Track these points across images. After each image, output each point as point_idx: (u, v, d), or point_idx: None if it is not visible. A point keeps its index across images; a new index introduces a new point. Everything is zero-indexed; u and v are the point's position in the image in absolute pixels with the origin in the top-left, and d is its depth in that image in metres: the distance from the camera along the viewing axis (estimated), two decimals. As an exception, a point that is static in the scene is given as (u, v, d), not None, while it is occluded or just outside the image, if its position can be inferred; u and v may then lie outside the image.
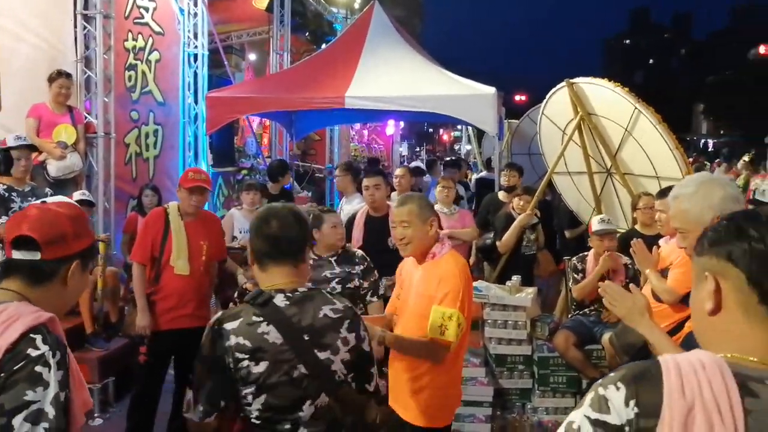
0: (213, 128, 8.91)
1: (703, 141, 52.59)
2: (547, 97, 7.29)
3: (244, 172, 11.91)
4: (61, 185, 6.52)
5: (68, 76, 6.76)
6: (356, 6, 15.94)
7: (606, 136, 6.67)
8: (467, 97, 7.95)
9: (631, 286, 2.38)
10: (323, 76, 8.73)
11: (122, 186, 7.84)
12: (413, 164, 15.90)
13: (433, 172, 11.95)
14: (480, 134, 14.37)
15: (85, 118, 7.22)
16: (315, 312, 2.33)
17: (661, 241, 4.28)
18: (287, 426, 2.27)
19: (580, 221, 7.65)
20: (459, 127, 29.61)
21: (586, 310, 5.42)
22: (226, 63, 11.13)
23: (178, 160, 9.15)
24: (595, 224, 5.45)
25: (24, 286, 1.85)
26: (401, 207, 3.31)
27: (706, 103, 57.97)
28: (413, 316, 3.26)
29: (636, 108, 6.00)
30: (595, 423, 1.21)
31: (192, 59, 9.43)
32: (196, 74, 9.50)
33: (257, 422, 2.26)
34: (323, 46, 12.39)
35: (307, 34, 14.99)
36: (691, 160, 10.34)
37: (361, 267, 4.38)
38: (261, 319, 2.26)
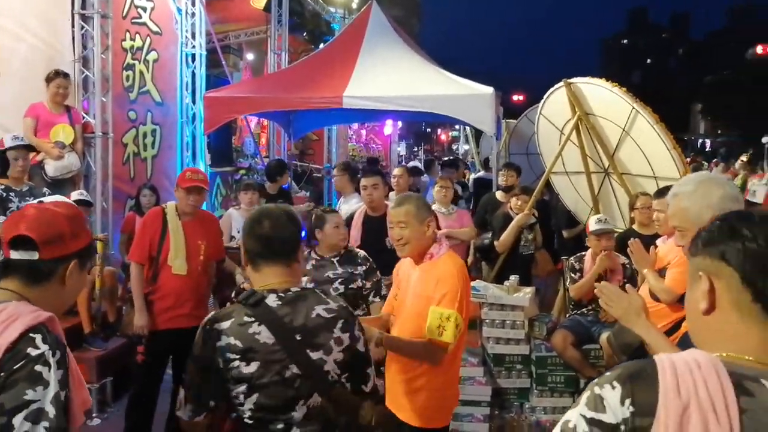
0: (211, 128, 8.92)
1: (700, 141, 52.65)
2: (545, 97, 7.31)
3: (242, 171, 11.90)
4: (59, 185, 6.52)
5: (66, 75, 6.76)
6: (354, 6, 15.96)
7: (604, 135, 6.68)
8: (465, 97, 7.96)
9: (628, 286, 2.38)
10: (321, 76, 8.73)
11: (120, 186, 7.83)
12: (411, 164, 15.90)
13: (431, 172, 11.94)
14: (478, 134, 14.38)
15: (83, 117, 7.21)
16: (308, 312, 2.32)
17: (658, 241, 4.28)
18: (280, 426, 2.27)
19: (577, 221, 7.67)
20: (457, 126, 29.66)
21: (583, 309, 5.42)
22: (223, 63, 11.12)
23: (176, 160, 9.14)
24: (593, 224, 5.47)
25: (22, 285, 1.85)
26: (398, 207, 3.29)
27: (704, 103, 58.08)
28: (411, 317, 3.25)
29: (633, 108, 6.01)
30: (590, 422, 1.22)
31: (190, 59, 9.41)
32: (193, 74, 9.49)
33: (250, 422, 2.27)
34: (321, 45, 12.41)
35: (304, 33, 15.01)
36: (688, 159, 10.36)
37: (364, 267, 4.38)
38: (252, 319, 2.26)
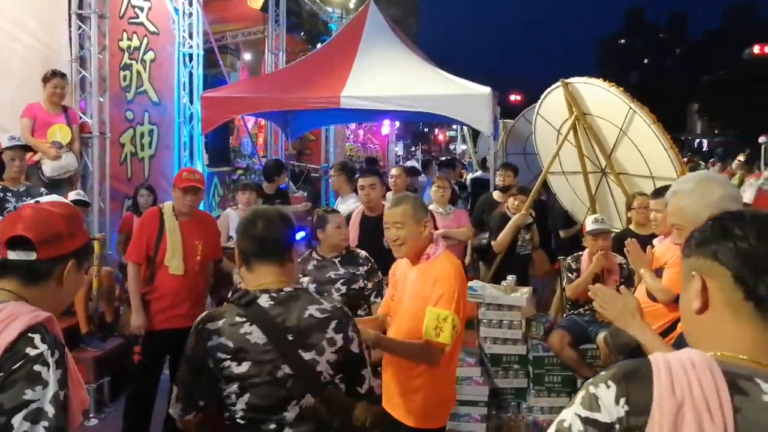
0: (208, 128, 8.92)
1: (697, 141, 52.67)
2: (542, 97, 7.31)
3: (239, 171, 11.90)
4: (56, 185, 6.51)
5: (63, 75, 6.75)
6: (351, 5, 15.94)
7: (601, 135, 6.69)
8: (462, 97, 7.96)
9: (622, 288, 2.38)
10: (318, 76, 8.73)
11: (117, 186, 7.83)
12: (408, 164, 15.90)
13: (428, 172, 11.95)
14: (475, 134, 14.38)
15: (80, 118, 7.20)
16: (300, 312, 2.33)
17: (655, 241, 4.29)
18: (272, 426, 2.28)
19: (574, 221, 7.67)
20: (454, 126, 29.63)
21: (580, 309, 5.43)
22: (221, 63, 11.12)
23: (173, 160, 9.14)
24: (589, 224, 5.47)
25: (20, 286, 1.85)
26: (395, 208, 3.28)
27: (701, 102, 58.14)
28: (407, 317, 3.25)
29: (631, 108, 6.02)
30: (585, 421, 1.23)
31: (187, 59, 9.41)
32: (191, 74, 9.48)
33: (242, 422, 2.28)
34: (318, 45, 12.40)
35: (302, 33, 14.99)
36: (685, 159, 10.37)
37: (365, 268, 4.37)
38: (244, 319, 2.28)
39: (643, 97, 6.85)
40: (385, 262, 3.99)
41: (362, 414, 2.40)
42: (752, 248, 1.27)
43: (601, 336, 4.86)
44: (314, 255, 4.45)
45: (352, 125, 18.18)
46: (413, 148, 41.08)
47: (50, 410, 1.65)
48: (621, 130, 6.31)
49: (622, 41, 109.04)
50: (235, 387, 2.25)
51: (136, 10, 8.17)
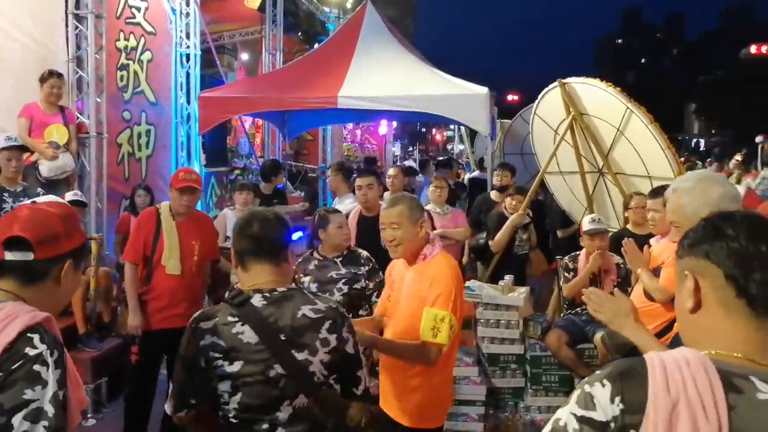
0: (206, 128, 8.92)
1: (694, 140, 52.73)
2: (540, 97, 7.32)
3: (236, 172, 11.90)
4: (54, 185, 6.51)
5: (60, 76, 6.75)
6: (348, 6, 15.94)
7: (598, 135, 6.69)
8: (460, 97, 7.97)
9: (615, 290, 2.38)
10: (316, 76, 8.73)
11: (115, 186, 7.82)
12: (406, 164, 15.91)
13: (425, 172, 11.96)
14: (473, 134, 14.39)
15: (77, 118, 7.20)
16: (293, 312, 2.33)
17: (652, 241, 4.29)
18: (265, 426, 2.29)
19: (572, 221, 7.68)
20: (452, 126, 29.64)
21: (578, 309, 5.43)
22: (218, 63, 11.11)
23: (170, 160, 9.13)
24: (586, 224, 5.48)
25: (18, 286, 1.85)
26: (391, 208, 3.27)
27: (698, 102, 58.19)
28: (404, 317, 3.24)
29: (628, 108, 6.02)
30: (581, 419, 1.24)
31: (184, 59, 9.41)
32: (188, 74, 9.48)
33: (235, 421, 2.29)
34: (316, 45, 12.40)
35: (299, 33, 14.96)
36: (682, 159, 10.38)
37: (367, 268, 4.37)
38: (236, 319, 2.29)
39: (640, 97, 6.86)
40: (383, 262, 3.99)
41: (357, 414, 2.40)
42: (743, 248, 1.28)
43: (598, 335, 4.87)
44: (315, 255, 4.45)
45: (350, 125, 18.18)
46: (411, 148, 41.08)
47: (50, 410, 1.65)
48: (618, 130, 6.32)
49: (620, 41, 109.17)
50: (227, 386, 2.26)
51: (133, 10, 8.16)
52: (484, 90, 7.92)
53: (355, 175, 6.53)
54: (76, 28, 7.22)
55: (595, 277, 5.37)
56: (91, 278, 5.81)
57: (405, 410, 3.26)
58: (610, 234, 5.61)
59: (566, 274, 5.60)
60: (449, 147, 40.06)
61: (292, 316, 2.32)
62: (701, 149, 40.39)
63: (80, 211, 6.09)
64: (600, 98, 6.39)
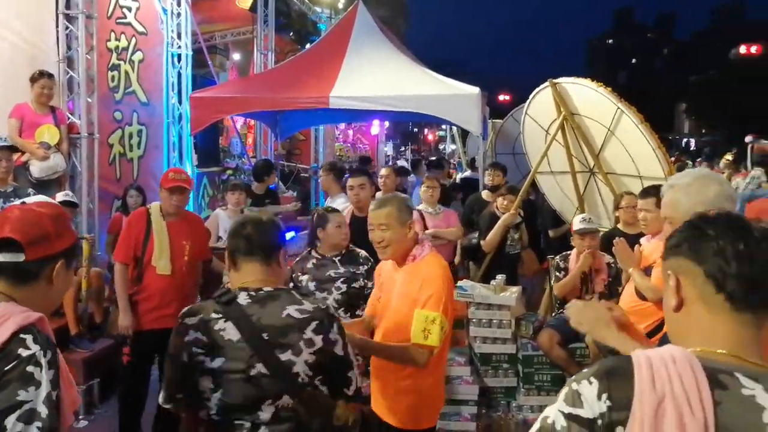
0: (197, 128, 8.91)
1: (685, 140, 52.90)
2: (531, 97, 7.34)
3: (229, 172, 11.89)
4: (45, 186, 6.49)
5: (50, 76, 6.72)
6: (340, 6, 15.93)
7: (589, 135, 6.72)
8: (451, 97, 7.98)
9: (593, 300, 2.37)
10: (308, 76, 8.73)
11: (106, 186, 7.80)
12: (398, 164, 15.92)
13: (417, 172, 11.97)
14: (464, 134, 14.42)
15: (68, 118, 7.18)
16: (278, 311, 2.34)
17: (642, 240, 4.31)
18: (247, 425, 2.30)
19: (563, 220, 7.70)
20: (444, 126, 29.67)
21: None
22: (210, 63, 11.09)
23: (162, 161, 9.10)
24: (577, 223, 5.50)
25: (9, 287, 1.85)
26: (379, 210, 3.24)
27: (689, 102, 58.36)
28: (395, 318, 3.23)
29: (618, 108, 6.05)
30: (568, 417, 1.26)
31: (176, 59, 9.38)
32: (179, 74, 9.46)
33: (217, 419, 2.31)
34: (307, 46, 12.40)
35: (291, 33, 14.97)
36: (673, 159, 10.43)
37: (365, 267, 4.36)
38: (220, 315, 2.32)
39: (631, 96, 6.89)
40: (376, 262, 4.00)
41: (343, 414, 2.41)
42: (721, 246, 1.33)
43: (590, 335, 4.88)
44: (314, 254, 4.46)
45: (342, 125, 18.18)
46: (403, 148, 41.08)
47: (43, 411, 1.65)
48: (609, 130, 6.34)
49: (611, 41, 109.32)
50: (208, 382, 2.28)
51: (124, 10, 8.14)
52: (475, 90, 7.93)
53: (347, 176, 6.53)
54: (67, 28, 7.19)
55: (585, 276, 5.39)
56: (82, 279, 5.79)
57: (397, 412, 3.25)
58: (601, 233, 5.63)
59: (557, 274, 5.62)
60: (441, 147, 40.06)
61: (276, 316, 2.33)
62: (692, 149, 40.52)
63: (71, 212, 6.08)
64: (591, 98, 6.41)
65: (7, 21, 6.71)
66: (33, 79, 6.60)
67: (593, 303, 2.31)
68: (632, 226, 5.44)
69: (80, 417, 5.45)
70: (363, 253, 4.48)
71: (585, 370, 1.32)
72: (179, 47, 9.41)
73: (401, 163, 20.06)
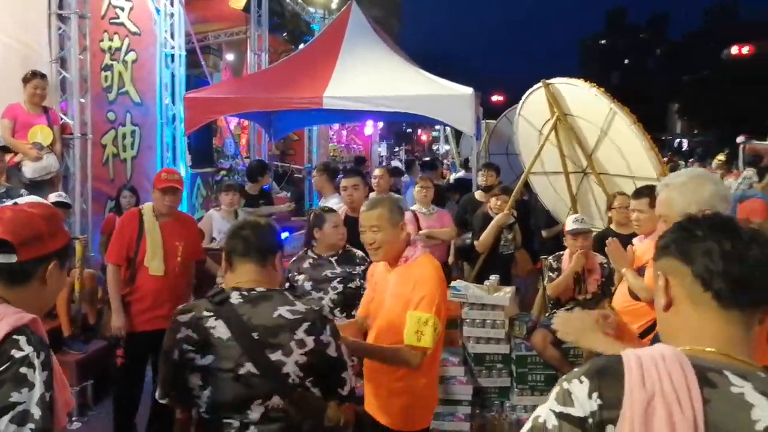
0: (191, 129, 8.88)
1: (677, 140, 53.06)
2: (524, 97, 7.35)
3: (222, 172, 11.87)
4: (38, 187, 6.46)
5: (43, 76, 6.70)
6: (334, 6, 15.93)
7: (582, 136, 6.74)
8: (445, 98, 7.99)
9: (576, 309, 2.37)
10: (301, 77, 8.72)
11: (100, 187, 7.78)
12: (392, 164, 15.92)
13: (411, 173, 11.97)
14: (458, 134, 14.44)
15: (61, 119, 7.16)
16: (269, 311, 2.35)
17: (635, 240, 4.32)
18: (236, 424, 2.32)
19: (556, 221, 7.72)
20: (437, 127, 29.70)
21: (563, 309, 5.46)
22: (203, 63, 11.07)
23: (156, 161, 9.09)
24: (569, 224, 5.51)
25: (2, 287, 1.84)
26: (370, 211, 3.23)
27: (682, 103, 58.52)
28: (388, 319, 3.22)
29: (611, 108, 6.06)
30: (559, 416, 1.27)
31: (169, 59, 9.36)
32: (173, 74, 9.44)
33: (206, 417, 2.34)
34: (301, 46, 12.38)
35: (284, 34, 14.96)
36: (665, 159, 10.46)
37: (362, 267, 4.34)
38: (211, 314, 2.34)
39: (624, 97, 6.91)
40: (371, 263, 4.00)
41: (335, 415, 2.41)
42: (708, 246, 1.35)
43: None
44: (310, 253, 4.45)
45: (336, 126, 18.17)
46: (396, 149, 41.14)
47: (36, 412, 1.65)
48: (602, 130, 6.36)
49: (604, 42, 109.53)
50: (197, 379, 2.31)
51: (117, 10, 8.13)
52: (469, 90, 7.94)
53: (340, 176, 6.53)
54: (60, 28, 7.18)
55: (578, 276, 5.41)
56: (75, 280, 5.77)
57: (390, 413, 3.24)
58: (594, 234, 5.65)
59: (550, 274, 5.63)
60: (435, 147, 40.13)
61: (267, 316, 2.34)
62: (684, 149, 40.65)
63: (64, 213, 6.05)
64: (584, 99, 6.43)
65: (0, 21, 6.69)
66: (26, 80, 6.58)
67: (577, 312, 2.32)
68: (625, 227, 5.46)
69: (73, 419, 5.43)
70: (359, 253, 4.47)
71: (576, 369, 1.33)
72: (173, 47, 9.39)
73: (395, 163, 20.09)
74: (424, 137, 54.32)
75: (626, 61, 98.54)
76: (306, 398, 2.35)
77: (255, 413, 2.30)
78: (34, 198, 2.57)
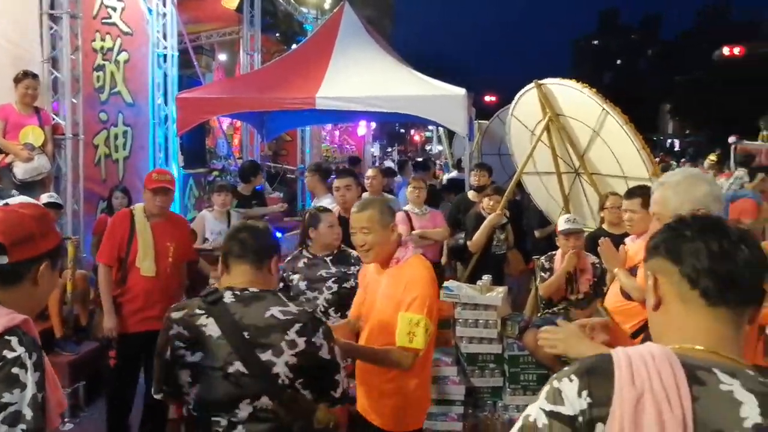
0: (183, 129, 8.86)
1: (669, 141, 53.23)
2: (516, 98, 7.37)
3: (215, 173, 11.86)
4: (29, 187, 6.43)
5: (35, 76, 6.68)
6: (326, 6, 15.93)
7: (574, 136, 6.76)
8: (438, 98, 8.00)
9: (559, 320, 2.36)
10: (294, 77, 8.71)
11: (91, 187, 7.76)
12: (385, 164, 15.92)
13: (404, 173, 11.98)
14: (451, 135, 14.45)
15: (53, 119, 7.13)
16: (261, 311, 2.36)
17: (627, 240, 4.34)
18: (224, 423, 2.33)
19: (549, 221, 7.73)
20: (430, 127, 29.73)
21: (555, 308, 5.48)
22: (195, 63, 11.05)
23: (148, 162, 9.06)
24: (561, 224, 5.53)
25: (-6, 288, 1.83)
26: (361, 213, 3.21)
27: (674, 103, 58.67)
28: (380, 320, 3.22)
29: (603, 109, 6.08)
30: (549, 414, 1.28)
31: (161, 60, 9.34)
32: (165, 75, 9.42)
33: (195, 414, 2.37)
34: (294, 46, 12.37)
35: (277, 34, 14.94)
36: (657, 159, 10.49)
37: (357, 267, 4.32)
38: (203, 312, 2.36)
39: (617, 97, 6.93)
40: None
41: (324, 418, 2.42)
42: (695, 246, 1.37)
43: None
44: (305, 253, 4.45)
45: (328, 126, 18.16)
46: (389, 149, 41.15)
47: (28, 413, 1.64)
48: (594, 131, 6.38)
49: (596, 42, 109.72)
50: (187, 376, 2.33)
51: (109, 10, 8.10)
52: (462, 91, 7.96)
53: (333, 176, 6.53)
54: (51, 28, 7.15)
55: (570, 276, 5.42)
56: (67, 281, 5.75)
57: (382, 414, 3.24)
58: (586, 234, 5.66)
59: (542, 274, 5.64)
60: (428, 148, 40.20)
61: (259, 316, 2.34)
62: (676, 149, 40.77)
63: (56, 213, 6.04)
64: (576, 99, 6.45)
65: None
66: (17, 80, 6.55)
67: (561, 325, 2.31)
68: (617, 227, 5.47)
69: (66, 420, 5.41)
70: (354, 253, 4.45)
71: (566, 368, 1.34)
72: (165, 48, 9.37)
73: (388, 163, 20.08)
74: (417, 138, 54.38)
75: (618, 62, 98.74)
76: (296, 399, 2.35)
77: (243, 412, 2.31)
78: (25, 198, 2.56)
